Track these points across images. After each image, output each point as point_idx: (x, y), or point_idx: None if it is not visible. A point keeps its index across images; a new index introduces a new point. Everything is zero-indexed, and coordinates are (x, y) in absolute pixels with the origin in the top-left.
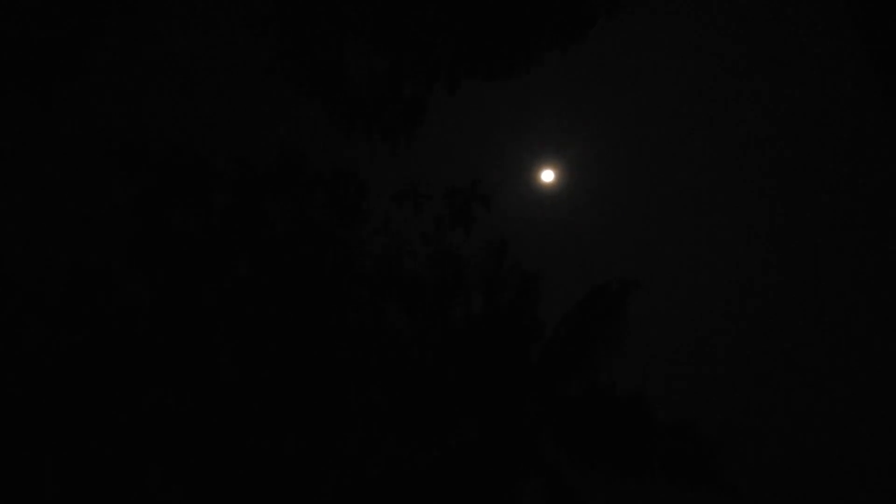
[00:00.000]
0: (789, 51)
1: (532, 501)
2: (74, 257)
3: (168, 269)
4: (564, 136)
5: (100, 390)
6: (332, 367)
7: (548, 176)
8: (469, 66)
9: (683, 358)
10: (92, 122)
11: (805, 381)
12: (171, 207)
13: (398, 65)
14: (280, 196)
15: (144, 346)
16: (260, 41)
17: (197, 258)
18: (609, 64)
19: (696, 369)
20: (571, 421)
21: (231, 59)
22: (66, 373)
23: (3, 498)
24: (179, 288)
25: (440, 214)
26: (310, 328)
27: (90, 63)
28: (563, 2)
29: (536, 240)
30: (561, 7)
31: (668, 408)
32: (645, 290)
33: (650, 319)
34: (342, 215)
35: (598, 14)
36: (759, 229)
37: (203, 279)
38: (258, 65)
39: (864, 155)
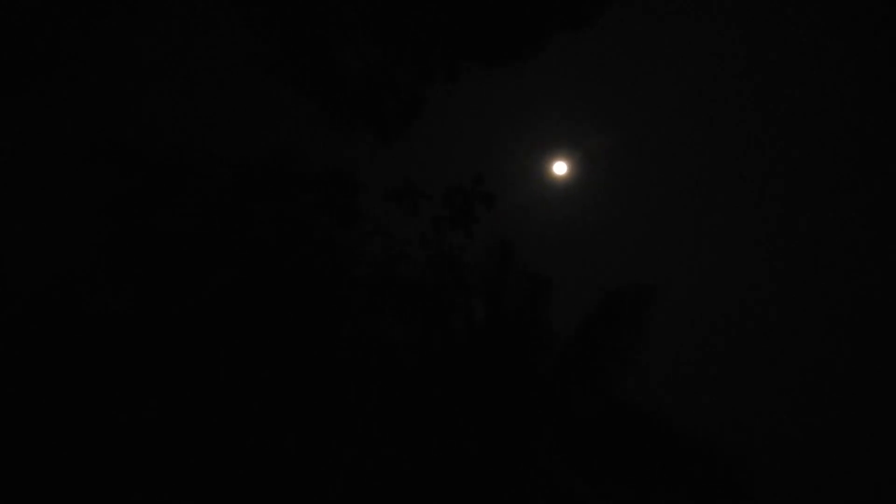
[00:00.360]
0: (821, 37)
1: None
2: (51, 259)
3: (148, 273)
4: (579, 125)
5: (75, 397)
6: (324, 380)
7: (560, 169)
8: (470, 50)
9: (703, 368)
10: (70, 119)
11: (829, 390)
12: (153, 209)
13: (392, 52)
14: (268, 197)
15: (123, 352)
16: (244, 31)
17: (179, 262)
18: (629, 47)
19: (717, 380)
20: (585, 440)
21: (214, 52)
22: (41, 378)
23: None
24: (159, 295)
25: (439, 215)
26: (299, 339)
27: (68, 58)
28: None
29: (546, 240)
30: None
31: (688, 421)
32: (663, 296)
33: (670, 327)
34: (335, 217)
35: None
36: (790, 228)
37: (186, 284)
38: (242, 57)
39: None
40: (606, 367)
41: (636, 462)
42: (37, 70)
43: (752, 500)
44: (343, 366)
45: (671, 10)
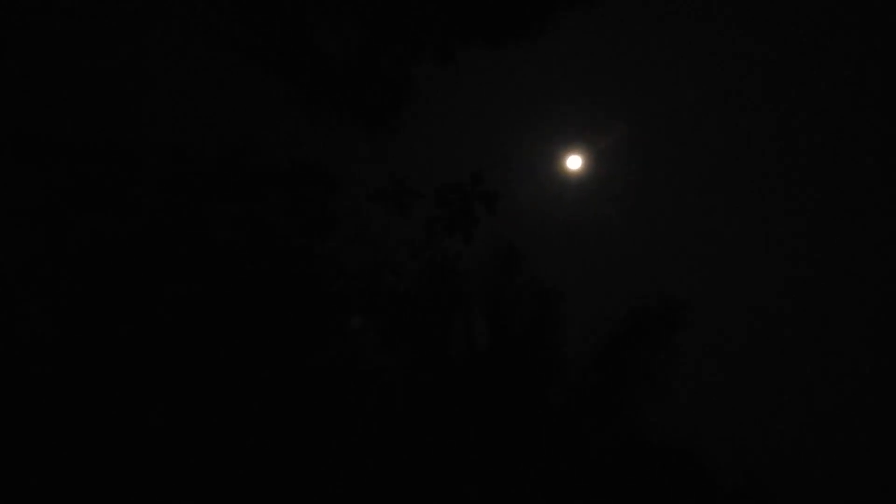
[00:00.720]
0: (848, 28)
1: None
2: None
3: (77, 284)
4: (596, 113)
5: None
6: (293, 421)
7: (574, 163)
8: (467, 27)
9: (736, 394)
10: None
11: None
12: (86, 210)
13: (376, 27)
14: (231, 196)
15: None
16: (204, 5)
17: (121, 276)
18: (652, 24)
19: (752, 407)
20: (604, 483)
21: (167, 27)
22: None
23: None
24: (94, 316)
25: (433, 217)
26: (263, 368)
27: None
28: None
29: (558, 246)
30: None
31: (723, 455)
32: (692, 310)
33: (698, 346)
34: (309, 220)
35: None
36: (837, 229)
37: (128, 303)
38: (201, 33)
39: None
40: (630, 398)
41: None
42: None
43: None
44: (317, 401)
45: None
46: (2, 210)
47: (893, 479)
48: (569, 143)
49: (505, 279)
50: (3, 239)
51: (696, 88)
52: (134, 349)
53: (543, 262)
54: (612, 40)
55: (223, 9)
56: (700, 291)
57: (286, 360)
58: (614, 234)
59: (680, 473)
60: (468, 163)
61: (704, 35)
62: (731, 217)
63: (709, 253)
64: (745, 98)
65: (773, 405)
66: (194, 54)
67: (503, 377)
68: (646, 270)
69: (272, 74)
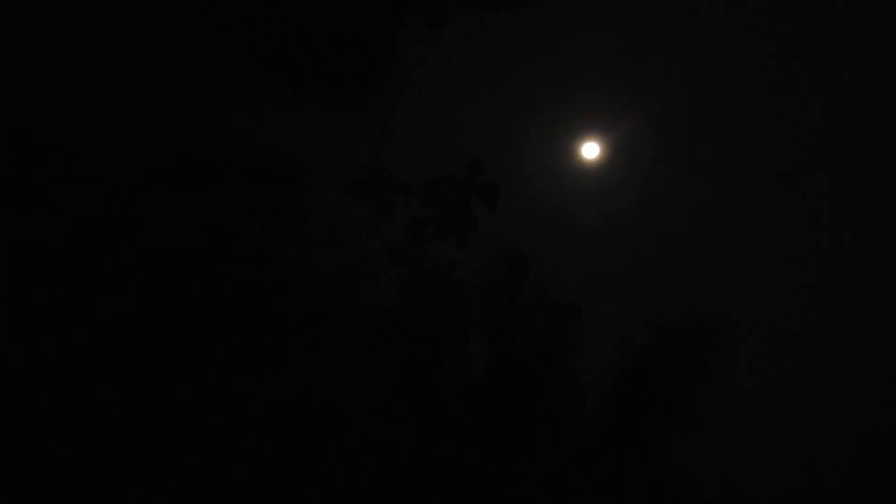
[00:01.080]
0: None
1: None
2: None
3: None
4: (618, 94)
5: None
6: (247, 464)
7: (591, 150)
8: None
9: (790, 431)
10: None
11: None
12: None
13: None
14: (172, 189)
15: None
16: None
17: (36, 288)
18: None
19: (810, 448)
20: None
21: None
22: None
23: None
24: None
25: (422, 217)
26: (211, 396)
27: None
28: None
29: (573, 250)
30: None
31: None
32: (736, 328)
33: (742, 371)
34: (268, 219)
35: None
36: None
37: (45, 321)
38: None
39: None
40: (660, 435)
41: None
42: None
43: None
44: (273, 439)
45: None
46: None
47: None
48: (585, 128)
49: (509, 291)
50: None
51: (746, 58)
52: (42, 385)
53: (555, 270)
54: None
55: None
56: (744, 305)
57: (237, 390)
58: (640, 236)
59: None
60: (465, 150)
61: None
62: (786, 216)
63: (754, 259)
64: (809, 69)
65: (836, 447)
66: (126, 18)
67: (505, 409)
68: (678, 279)
69: (222, 39)
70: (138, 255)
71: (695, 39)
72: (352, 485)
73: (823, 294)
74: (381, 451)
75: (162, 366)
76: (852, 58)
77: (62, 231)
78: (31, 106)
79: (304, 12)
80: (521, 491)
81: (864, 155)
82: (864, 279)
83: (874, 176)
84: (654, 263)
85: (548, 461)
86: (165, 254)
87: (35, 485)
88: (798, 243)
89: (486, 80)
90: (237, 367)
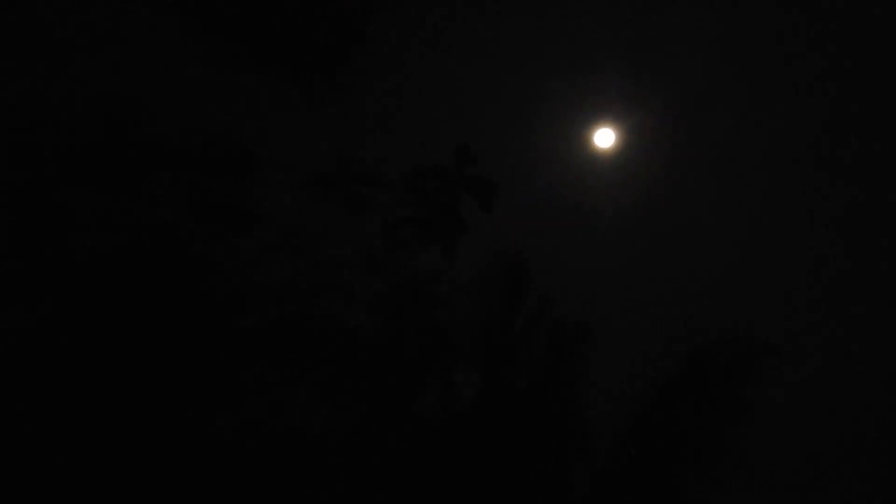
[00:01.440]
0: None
1: None
2: None
3: None
4: (636, 74)
5: None
6: None
7: (605, 138)
8: None
9: (842, 477)
10: None
11: None
12: None
13: None
14: (100, 180)
15: None
16: None
17: None
18: None
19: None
20: None
21: None
22: None
23: None
24: None
25: (399, 218)
26: (143, 430)
27: None
28: None
29: (583, 255)
30: None
31: None
32: (778, 356)
33: (785, 407)
34: (215, 216)
35: None
36: None
37: None
38: None
39: None
40: (688, 483)
41: None
42: None
43: None
44: (218, 484)
45: None
46: None
47: None
48: (598, 112)
49: (506, 308)
50: None
51: (781, 33)
52: None
53: (562, 282)
54: None
55: None
56: (785, 327)
57: (174, 425)
58: (664, 239)
59: None
60: (456, 139)
61: None
62: (833, 217)
63: (796, 275)
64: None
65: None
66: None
67: (499, 450)
68: (708, 289)
69: (159, 5)
70: (54, 258)
71: (717, 13)
72: None
73: (885, 316)
74: (345, 496)
75: (77, 396)
76: None
77: None
78: None
79: None
80: None
81: None
82: None
83: None
84: (679, 270)
85: None
86: (87, 257)
87: None
88: (862, 255)
89: (479, 55)
90: (174, 397)
